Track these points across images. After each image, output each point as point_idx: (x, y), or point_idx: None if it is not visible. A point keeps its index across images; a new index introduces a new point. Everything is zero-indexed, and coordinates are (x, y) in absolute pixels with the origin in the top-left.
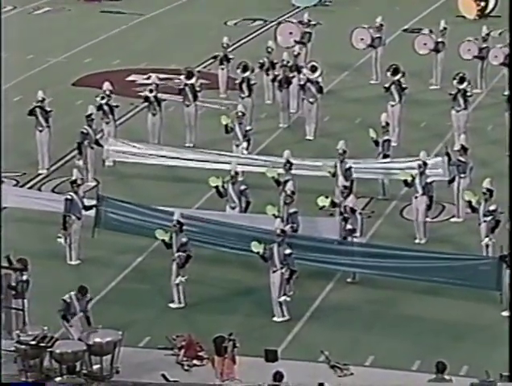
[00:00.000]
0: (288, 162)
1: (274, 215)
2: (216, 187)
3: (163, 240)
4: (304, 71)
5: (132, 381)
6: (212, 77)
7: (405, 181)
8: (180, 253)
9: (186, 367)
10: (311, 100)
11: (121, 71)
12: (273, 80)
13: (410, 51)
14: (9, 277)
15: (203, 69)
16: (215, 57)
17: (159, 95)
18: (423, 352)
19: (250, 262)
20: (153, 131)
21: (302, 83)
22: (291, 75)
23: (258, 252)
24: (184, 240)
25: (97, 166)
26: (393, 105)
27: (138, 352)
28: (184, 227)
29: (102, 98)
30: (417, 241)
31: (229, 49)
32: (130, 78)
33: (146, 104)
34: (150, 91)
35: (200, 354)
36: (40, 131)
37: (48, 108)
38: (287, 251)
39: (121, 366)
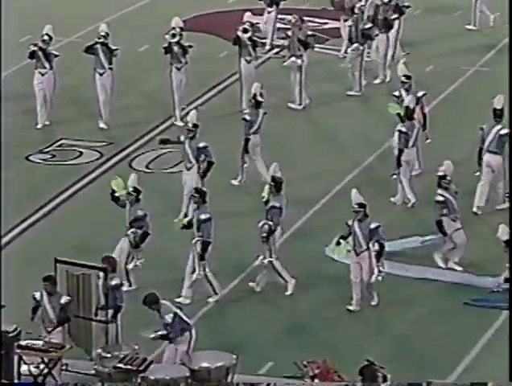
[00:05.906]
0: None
1: None
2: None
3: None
4: None
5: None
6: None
7: None
8: (134, 229)
9: None
10: None
11: (236, 12)
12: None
13: None
14: (87, 277)
15: None
16: None
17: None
18: None
19: None
20: (249, 83)
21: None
22: (392, 17)
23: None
24: (141, 213)
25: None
26: None
27: (258, 381)
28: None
29: (173, 36)
30: None
31: None
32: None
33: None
34: (244, 31)
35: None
36: (101, 74)
37: (114, 47)
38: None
39: None
